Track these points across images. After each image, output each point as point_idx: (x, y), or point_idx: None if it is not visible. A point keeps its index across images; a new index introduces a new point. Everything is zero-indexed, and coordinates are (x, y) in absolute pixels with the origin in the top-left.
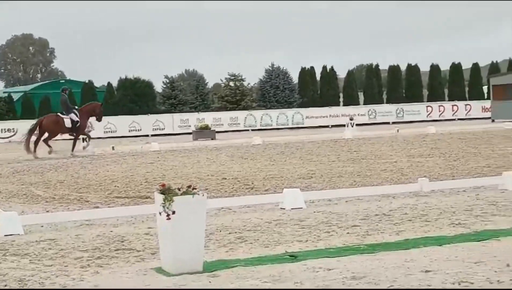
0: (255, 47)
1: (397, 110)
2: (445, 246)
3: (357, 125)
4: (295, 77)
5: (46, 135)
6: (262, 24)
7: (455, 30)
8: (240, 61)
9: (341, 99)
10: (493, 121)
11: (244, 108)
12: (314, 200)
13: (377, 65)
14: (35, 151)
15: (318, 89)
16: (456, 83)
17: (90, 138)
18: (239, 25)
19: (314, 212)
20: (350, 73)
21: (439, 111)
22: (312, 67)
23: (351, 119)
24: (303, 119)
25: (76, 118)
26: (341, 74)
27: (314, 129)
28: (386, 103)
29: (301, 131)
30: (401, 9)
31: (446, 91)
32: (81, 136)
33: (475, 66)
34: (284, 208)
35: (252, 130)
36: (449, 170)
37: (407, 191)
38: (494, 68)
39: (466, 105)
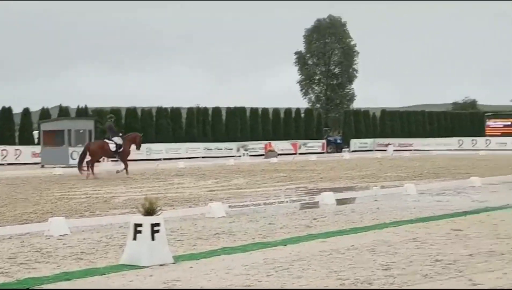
0: None
1: None
2: None
3: None
4: None
5: (89, 158)
6: None
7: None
8: None
9: None
10: (42, 166)
11: None
12: None
13: None
14: (93, 172)
15: None
16: (6, 127)
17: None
18: None
19: None
20: None
21: None
22: None
23: None
24: None
25: (120, 141)
26: None
27: None
28: None
29: None
30: None
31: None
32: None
33: (26, 111)
34: None
35: None
36: None
37: None
38: (45, 114)
39: (16, 150)
